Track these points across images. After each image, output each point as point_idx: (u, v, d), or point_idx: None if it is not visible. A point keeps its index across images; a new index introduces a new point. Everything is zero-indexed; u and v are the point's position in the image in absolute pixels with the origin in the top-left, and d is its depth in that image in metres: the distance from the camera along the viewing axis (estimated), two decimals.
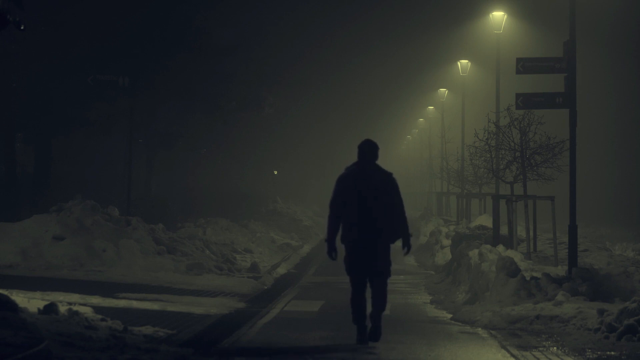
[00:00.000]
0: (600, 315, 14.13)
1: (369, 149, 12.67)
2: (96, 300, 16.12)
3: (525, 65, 19.77)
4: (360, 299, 12.59)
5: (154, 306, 16.18)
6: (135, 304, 16.21)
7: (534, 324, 15.06)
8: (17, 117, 30.21)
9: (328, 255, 12.55)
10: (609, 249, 30.92)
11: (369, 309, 12.67)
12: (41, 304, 12.70)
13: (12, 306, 11.25)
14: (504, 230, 24.20)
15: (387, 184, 12.59)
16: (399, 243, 12.98)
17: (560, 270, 19.32)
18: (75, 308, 12.86)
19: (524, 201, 23.50)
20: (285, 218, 49.14)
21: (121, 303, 16.25)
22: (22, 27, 12.10)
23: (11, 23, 11.89)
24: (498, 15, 33.09)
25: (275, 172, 64.46)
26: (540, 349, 13.02)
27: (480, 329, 15.09)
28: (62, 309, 12.62)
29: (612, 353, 12.57)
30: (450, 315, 17.06)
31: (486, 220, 29.84)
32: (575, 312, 14.99)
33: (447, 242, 30.20)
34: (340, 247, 12.67)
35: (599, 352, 12.67)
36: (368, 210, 12.51)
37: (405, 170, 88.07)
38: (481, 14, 36.32)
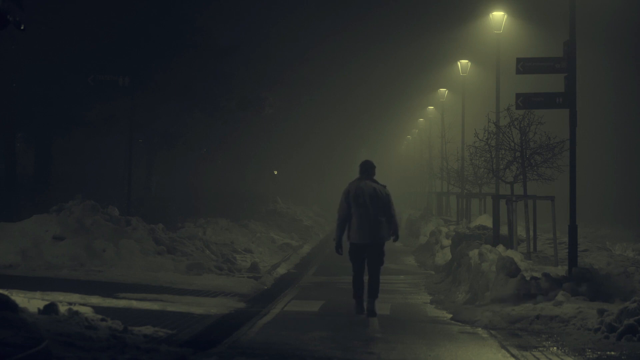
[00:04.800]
0: (600, 315, 14.14)
1: (367, 168, 16.42)
2: (96, 300, 16.12)
3: (525, 65, 19.77)
4: (360, 280, 16.24)
5: (154, 306, 16.18)
6: (135, 304, 16.21)
7: (534, 324, 15.07)
8: (17, 117, 30.19)
9: (336, 251, 16.18)
10: (609, 249, 30.90)
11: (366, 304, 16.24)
12: (41, 304, 12.70)
13: (12, 306, 11.24)
14: (504, 230, 24.19)
15: (382, 194, 16.17)
16: (397, 244, 17.29)
17: (560, 270, 19.31)
18: (75, 308, 12.86)
19: (524, 201, 23.50)
20: (285, 218, 49.14)
21: (121, 303, 16.24)
22: (22, 27, 12.09)
23: (11, 23, 11.88)
24: (498, 15, 33.10)
25: (275, 172, 64.45)
26: (540, 349, 13.03)
27: (480, 329, 15.11)
28: (62, 309, 12.62)
29: (612, 353, 12.58)
30: (450, 315, 17.06)
31: (486, 220, 29.84)
32: (575, 312, 14.99)
33: (447, 242, 30.19)
34: (346, 244, 16.12)
35: (599, 352, 12.68)
36: (367, 215, 16.09)
37: (405, 170, 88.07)
38: (481, 14, 36.34)
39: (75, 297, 16.08)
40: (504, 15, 33.14)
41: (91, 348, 10.65)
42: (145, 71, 29.44)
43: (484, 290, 17.78)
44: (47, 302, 12.79)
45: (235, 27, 38.84)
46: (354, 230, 16.11)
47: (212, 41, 34.81)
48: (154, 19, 32.16)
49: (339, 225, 16.21)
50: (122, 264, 22.60)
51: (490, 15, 33.31)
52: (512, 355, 12.44)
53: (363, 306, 16.22)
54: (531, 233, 23.61)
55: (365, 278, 16.44)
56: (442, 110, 52.42)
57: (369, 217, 16.05)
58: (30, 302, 13.46)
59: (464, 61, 44.23)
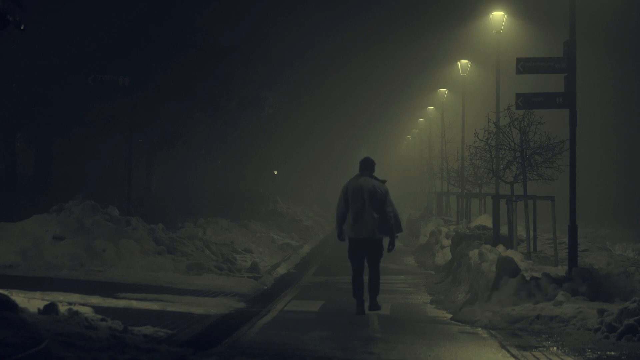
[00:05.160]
0: (600, 315, 14.14)
1: (366, 164, 16.80)
2: (96, 300, 16.12)
3: (525, 65, 19.75)
4: (359, 278, 16.54)
5: (154, 306, 16.18)
6: (135, 304, 16.21)
7: (534, 324, 15.07)
8: (17, 117, 30.18)
9: (338, 238, 16.84)
10: (609, 249, 30.90)
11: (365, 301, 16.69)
12: (41, 304, 12.69)
13: (12, 306, 11.23)
14: (504, 230, 24.19)
15: (380, 190, 16.56)
16: (397, 244, 17.22)
17: (560, 270, 19.31)
18: (75, 308, 12.85)
19: (524, 201, 23.50)
20: (285, 218, 49.13)
21: (121, 303, 16.24)
22: (22, 27, 12.08)
23: (11, 23, 11.88)
24: (498, 15, 33.10)
25: (275, 172, 64.44)
26: (540, 349, 13.03)
27: (480, 329, 15.11)
28: (62, 309, 12.62)
29: (612, 353, 12.58)
30: (450, 315, 17.07)
31: (486, 220, 29.84)
32: (575, 312, 14.99)
33: (447, 242, 30.19)
34: (346, 242, 16.67)
35: (599, 352, 12.68)
36: (365, 210, 16.47)
37: (405, 170, 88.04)
38: (481, 14, 36.34)
39: (75, 297, 16.08)
40: (504, 15, 33.14)
41: (91, 348, 10.65)
42: (145, 71, 29.43)
43: (484, 290, 17.77)
44: (47, 302, 12.78)
45: (235, 27, 38.83)
46: (350, 225, 16.52)
47: (212, 41, 34.80)
48: (154, 19, 32.15)
49: (338, 219, 16.72)
50: (122, 264, 22.59)
51: (490, 15, 33.31)
52: (512, 355, 12.44)
53: (363, 307, 16.51)
54: (531, 233, 23.61)
55: (365, 278, 16.72)
56: (442, 110, 52.41)
57: (364, 213, 16.45)
58: (30, 302, 13.45)
59: (464, 61, 44.23)
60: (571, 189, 18.59)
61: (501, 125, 24.85)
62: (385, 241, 16.78)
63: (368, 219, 16.47)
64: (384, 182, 16.81)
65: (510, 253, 20.07)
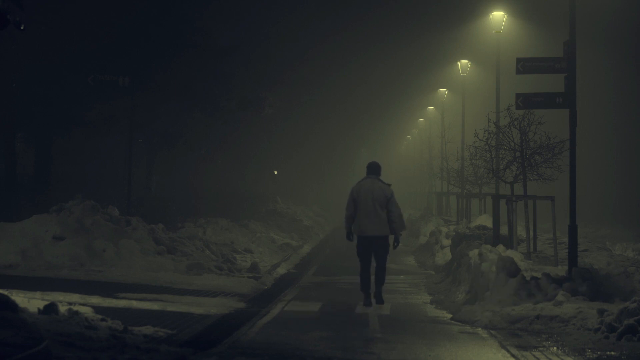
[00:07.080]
0: (600, 315, 14.14)
1: (374, 168, 18.22)
2: (96, 300, 16.12)
3: (525, 65, 19.75)
4: (367, 273, 17.98)
5: (154, 306, 16.18)
6: (135, 304, 16.21)
7: (534, 324, 15.07)
8: (17, 117, 30.17)
9: (347, 238, 18.29)
10: (609, 249, 30.90)
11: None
12: (41, 304, 12.69)
13: (12, 306, 11.23)
14: (504, 230, 24.18)
15: (386, 192, 17.92)
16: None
17: (560, 270, 19.31)
18: (75, 308, 12.85)
19: (524, 201, 23.50)
20: (285, 218, 49.12)
21: (121, 303, 16.24)
22: (22, 27, 12.09)
23: (11, 23, 11.88)
24: (498, 15, 33.11)
25: (275, 172, 64.42)
26: (540, 348, 13.03)
27: (480, 329, 15.11)
28: (62, 309, 12.62)
29: (612, 353, 12.59)
30: (450, 315, 17.07)
31: (486, 220, 29.84)
32: (575, 312, 14.99)
33: (447, 242, 30.18)
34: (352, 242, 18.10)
35: (599, 352, 12.68)
36: (372, 211, 17.80)
37: (405, 170, 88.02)
38: (481, 14, 36.35)
39: (75, 297, 16.08)
40: (504, 15, 33.15)
41: (91, 348, 10.65)
42: (145, 71, 29.41)
43: (484, 290, 17.77)
44: (47, 302, 12.78)
45: (235, 27, 38.81)
46: (360, 224, 17.90)
47: (212, 41, 34.77)
48: (154, 19, 32.13)
49: (346, 219, 18.12)
50: (122, 264, 22.59)
51: (490, 15, 33.32)
52: (512, 355, 12.44)
53: (371, 300, 17.86)
54: (531, 233, 23.60)
55: (372, 277, 17.95)
56: (442, 110, 52.41)
57: (373, 213, 17.81)
58: (30, 302, 13.45)
59: (464, 61, 44.23)
60: (571, 189, 18.59)
61: (501, 125, 24.85)
62: (390, 239, 18.04)
63: (377, 218, 17.82)
64: (389, 185, 18.11)
65: (510, 253, 20.07)
